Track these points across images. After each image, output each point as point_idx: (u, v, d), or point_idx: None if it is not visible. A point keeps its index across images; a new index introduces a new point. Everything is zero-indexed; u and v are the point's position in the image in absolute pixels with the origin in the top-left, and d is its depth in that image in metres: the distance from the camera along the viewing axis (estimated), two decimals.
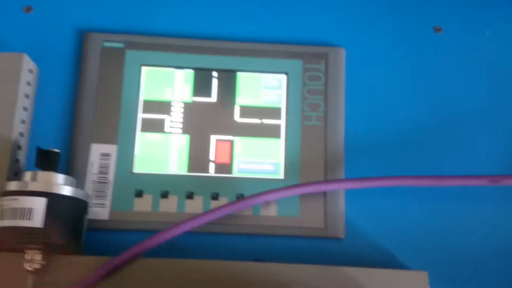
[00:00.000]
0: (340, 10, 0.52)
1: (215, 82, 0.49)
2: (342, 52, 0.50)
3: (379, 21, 0.52)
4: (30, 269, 0.40)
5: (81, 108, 0.47)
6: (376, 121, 0.50)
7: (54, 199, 0.39)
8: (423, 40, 0.52)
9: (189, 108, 0.48)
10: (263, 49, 0.49)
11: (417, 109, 0.50)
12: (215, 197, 0.46)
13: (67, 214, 0.38)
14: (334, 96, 0.49)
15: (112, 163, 0.46)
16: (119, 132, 0.47)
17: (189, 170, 0.47)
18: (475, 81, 0.51)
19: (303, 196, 0.46)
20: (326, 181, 0.47)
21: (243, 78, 0.49)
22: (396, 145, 0.49)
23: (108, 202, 0.45)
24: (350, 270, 0.43)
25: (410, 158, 0.49)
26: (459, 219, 0.47)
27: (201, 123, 0.48)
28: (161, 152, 0.47)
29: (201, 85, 0.49)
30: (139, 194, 0.46)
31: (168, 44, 0.49)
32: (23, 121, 0.46)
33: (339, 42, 0.51)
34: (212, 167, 0.47)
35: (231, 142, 0.48)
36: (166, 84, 0.48)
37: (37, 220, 0.38)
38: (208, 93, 0.48)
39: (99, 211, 0.45)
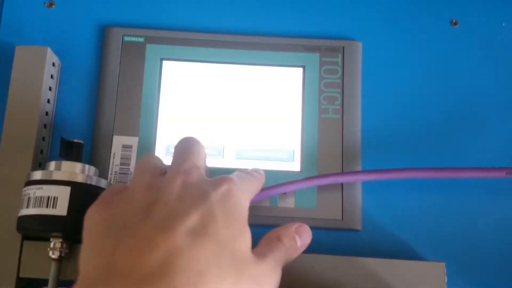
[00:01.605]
0: (356, 3, 0.53)
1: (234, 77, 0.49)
2: (359, 46, 0.51)
3: (396, 14, 0.52)
4: (54, 257, 0.40)
5: (103, 101, 0.48)
6: (393, 113, 0.50)
7: (78, 188, 0.40)
8: (439, 34, 0.52)
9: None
10: (280, 43, 0.50)
11: (433, 102, 0.50)
12: None
13: (91, 202, 0.38)
14: (350, 89, 0.49)
15: (133, 154, 0.47)
16: (140, 124, 0.48)
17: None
18: (492, 74, 0.51)
19: (321, 188, 0.47)
20: (343, 173, 0.47)
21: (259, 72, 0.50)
22: (412, 138, 0.49)
23: None
24: (368, 261, 0.43)
25: (427, 151, 0.49)
26: (476, 211, 0.48)
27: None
28: None
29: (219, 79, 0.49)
30: None
31: (187, 39, 0.50)
32: (46, 113, 0.47)
33: (356, 35, 0.51)
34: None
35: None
36: (187, 78, 0.49)
37: (62, 208, 0.39)
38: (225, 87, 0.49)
39: None
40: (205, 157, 0.37)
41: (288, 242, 0.35)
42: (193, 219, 0.28)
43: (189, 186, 0.31)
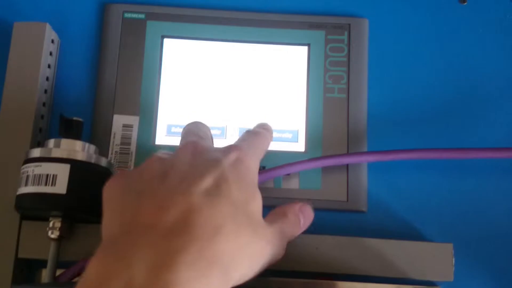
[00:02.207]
0: None
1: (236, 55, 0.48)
2: (365, 23, 0.49)
3: None
4: (53, 236, 0.40)
5: (103, 79, 0.47)
6: (399, 93, 0.49)
7: (77, 166, 0.39)
8: (447, 11, 0.51)
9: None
10: (285, 20, 0.49)
11: (440, 81, 0.49)
12: None
13: (90, 181, 0.37)
14: (357, 68, 0.48)
15: (134, 134, 0.46)
16: (141, 104, 0.47)
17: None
18: (500, 53, 0.50)
19: (325, 169, 0.46)
20: (348, 153, 0.46)
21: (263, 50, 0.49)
22: (419, 118, 0.48)
23: None
24: (373, 242, 0.42)
25: (434, 131, 0.48)
26: (483, 192, 0.47)
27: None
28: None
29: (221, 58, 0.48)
30: None
31: (189, 15, 0.49)
32: (45, 91, 0.46)
33: (362, 12, 0.50)
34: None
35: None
36: (188, 56, 0.48)
37: (61, 186, 0.38)
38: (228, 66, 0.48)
39: None
40: (211, 135, 0.38)
41: (293, 218, 0.36)
42: (207, 181, 0.29)
43: (200, 154, 0.32)
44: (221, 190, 0.29)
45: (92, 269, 0.26)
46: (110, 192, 0.31)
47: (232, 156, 0.32)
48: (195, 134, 0.36)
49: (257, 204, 0.32)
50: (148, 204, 0.28)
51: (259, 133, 0.39)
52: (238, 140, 0.37)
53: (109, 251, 0.27)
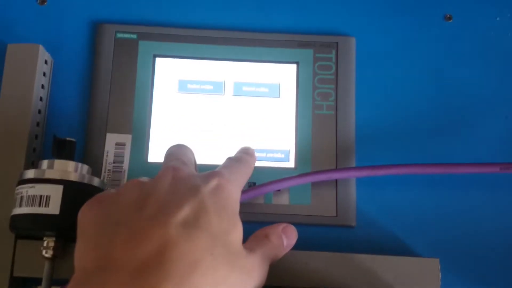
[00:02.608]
0: None
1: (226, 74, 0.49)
2: (352, 41, 0.50)
3: (389, 10, 0.52)
4: (47, 255, 0.40)
5: (96, 98, 0.48)
6: (387, 109, 0.50)
7: (70, 186, 0.40)
8: (433, 29, 0.52)
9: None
10: (274, 39, 0.50)
11: (427, 98, 0.50)
12: None
13: (84, 201, 0.38)
14: (344, 85, 0.49)
15: (127, 152, 0.47)
16: (133, 122, 0.48)
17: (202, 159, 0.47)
18: (486, 68, 0.51)
19: (315, 185, 0.47)
20: (337, 169, 0.47)
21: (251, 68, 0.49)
22: (407, 133, 0.49)
23: None
24: (362, 257, 0.43)
25: (421, 146, 0.49)
26: (471, 206, 0.47)
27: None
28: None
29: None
30: None
31: (181, 35, 0.50)
32: (39, 111, 0.46)
33: (349, 31, 0.51)
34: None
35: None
36: (180, 75, 0.49)
37: (54, 207, 0.39)
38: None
39: None
40: (194, 159, 0.38)
41: (275, 240, 0.36)
42: (185, 212, 0.28)
43: (180, 180, 0.31)
44: (200, 221, 0.28)
45: None
46: (85, 220, 0.31)
47: (213, 183, 0.31)
48: (177, 158, 0.35)
49: (237, 233, 0.31)
50: (123, 238, 0.27)
51: (241, 159, 0.38)
52: (220, 166, 0.36)
53: None
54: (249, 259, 0.31)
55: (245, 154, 0.39)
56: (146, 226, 0.27)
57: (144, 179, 0.33)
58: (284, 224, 0.37)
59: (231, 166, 0.36)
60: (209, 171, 0.34)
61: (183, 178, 0.31)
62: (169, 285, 0.25)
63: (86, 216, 0.31)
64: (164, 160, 0.36)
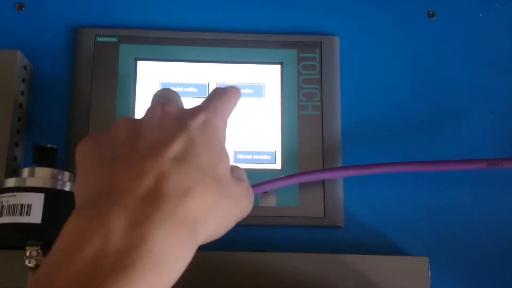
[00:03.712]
0: None
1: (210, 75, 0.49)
2: (336, 41, 0.50)
3: (372, 8, 0.52)
4: (30, 265, 0.40)
5: (77, 103, 0.47)
6: (372, 108, 0.50)
7: (52, 194, 0.39)
8: (417, 26, 0.52)
9: None
10: (257, 40, 0.49)
11: (412, 95, 0.50)
12: None
13: (66, 209, 0.37)
14: (329, 85, 0.49)
15: None
16: None
17: None
18: (470, 64, 0.51)
19: (302, 186, 0.47)
20: (324, 169, 0.47)
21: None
22: (393, 132, 0.49)
23: None
24: (351, 258, 0.43)
25: (408, 144, 0.49)
26: (459, 204, 0.47)
27: None
28: None
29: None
30: None
31: (162, 37, 0.49)
32: (19, 118, 0.46)
33: (333, 30, 0.51)
34: None
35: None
36: (163, 78, 0.48)
37: (36, 216, 0.38)
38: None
39: None
40: (181, 100, 0.38)
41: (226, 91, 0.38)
42: (175, 147, 0.30)
43: (168, 116, 0.33)
44: (189, 155, 0.30)
45: (69, 228, 0.27)
46: (83, 157, 0.32)
47: (199, 118, 0.33)
48: (163, 96, 0.36)
49: (225, 164, 0.33)
50: (122, 171, 0.29)
51: (226, 91, 0.39)
52: (205, 100, 0.37)
53: (85, 212, 0.28)
54: (237, 188, 0.33)
55: (230, 87, 0.40)
56: (141, 160, 0.29)
57: (131, 118, 0.34)
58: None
59: (216, 99, 0.37)
60: (196, 106, 0.35)
61: (171, 113, 0.33)
62: (166, 207, 0.28)
63: (84, 151, 0.32)
64: (152, 99, 0.37)
